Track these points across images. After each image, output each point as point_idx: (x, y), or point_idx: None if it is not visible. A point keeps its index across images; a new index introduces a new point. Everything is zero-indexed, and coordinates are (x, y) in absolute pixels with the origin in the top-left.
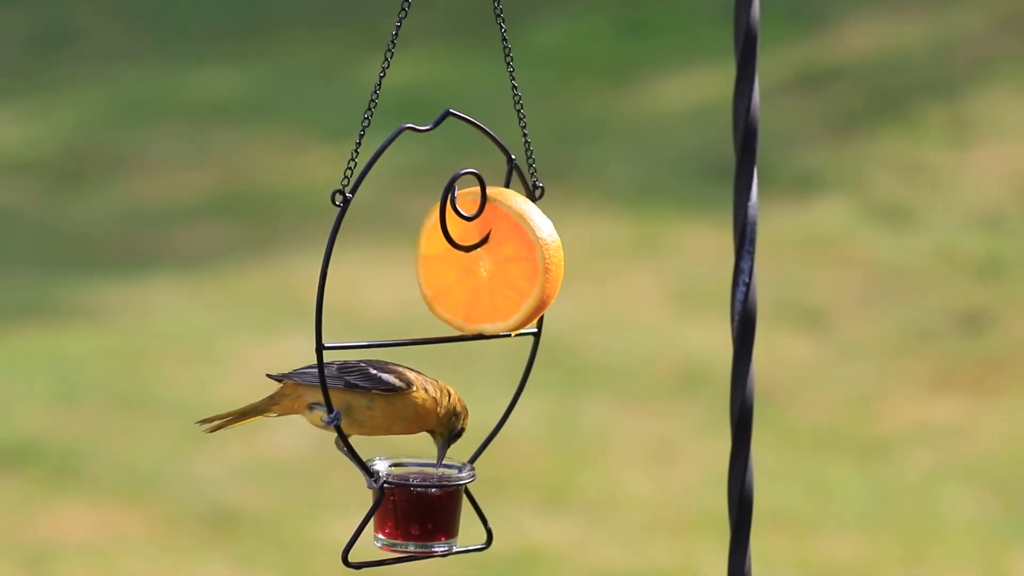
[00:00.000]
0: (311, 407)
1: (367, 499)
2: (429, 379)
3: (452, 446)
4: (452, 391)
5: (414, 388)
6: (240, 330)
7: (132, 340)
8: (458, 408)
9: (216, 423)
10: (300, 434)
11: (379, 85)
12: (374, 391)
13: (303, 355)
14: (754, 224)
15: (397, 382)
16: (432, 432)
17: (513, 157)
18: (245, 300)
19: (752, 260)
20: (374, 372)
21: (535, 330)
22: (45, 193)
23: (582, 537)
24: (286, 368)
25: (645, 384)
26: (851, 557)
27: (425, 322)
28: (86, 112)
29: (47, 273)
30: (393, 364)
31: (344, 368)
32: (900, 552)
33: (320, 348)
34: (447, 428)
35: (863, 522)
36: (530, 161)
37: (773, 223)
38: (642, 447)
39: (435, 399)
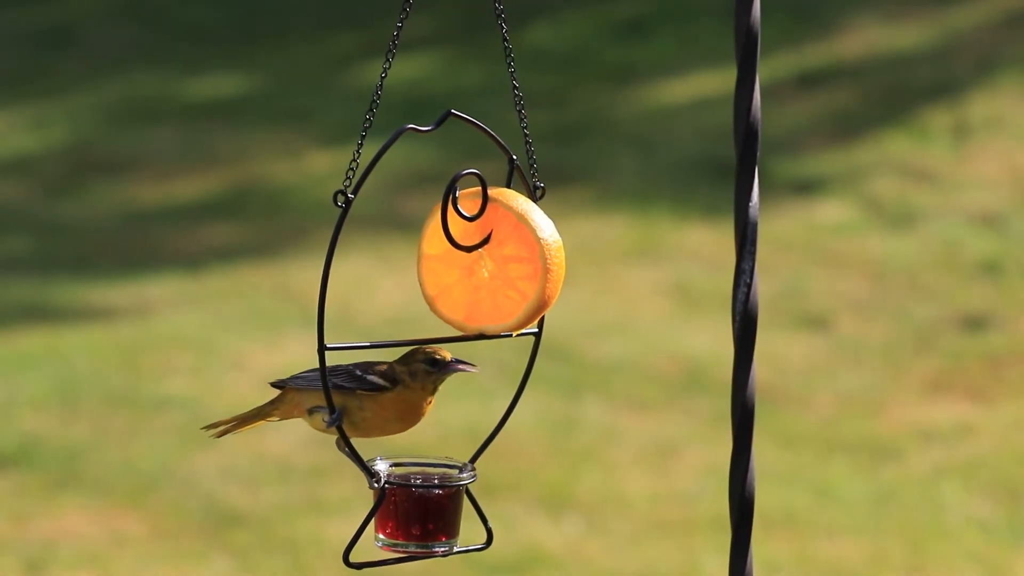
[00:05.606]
0: (311, 411)
1: (368, 499)
2: (405, 365)
3: (453, 438)
4: (419, 353)
5: (399, 386)
6: (241, 330)
7: (132, 340)
8: (430, 361)
9: (221, 428)
10: (300, 434)
11: (380, 86)
12: (359, 391)
13: (304, 355)
14: (755, 225)
15: (381, 381)
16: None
17: (515, 157)
18: (246, 301)
19: (753, 261)
20: (359, 373)
21: (536, 330)
22: (45, 193)
23: (582, 538)
24: (287, 368)
25: (646, 385)
26: (853, 558)
27: (425, 322)
28: (87, 113)
29: (47, 273)
30: (379, 364)
31: (332, 371)
32: (902, 553)
33: (322, 349)
34: (435, 384)
35: (865, 523)
36: (531, 161)
37: (774, 224)
38: (643, 448)
39: (419, 388)
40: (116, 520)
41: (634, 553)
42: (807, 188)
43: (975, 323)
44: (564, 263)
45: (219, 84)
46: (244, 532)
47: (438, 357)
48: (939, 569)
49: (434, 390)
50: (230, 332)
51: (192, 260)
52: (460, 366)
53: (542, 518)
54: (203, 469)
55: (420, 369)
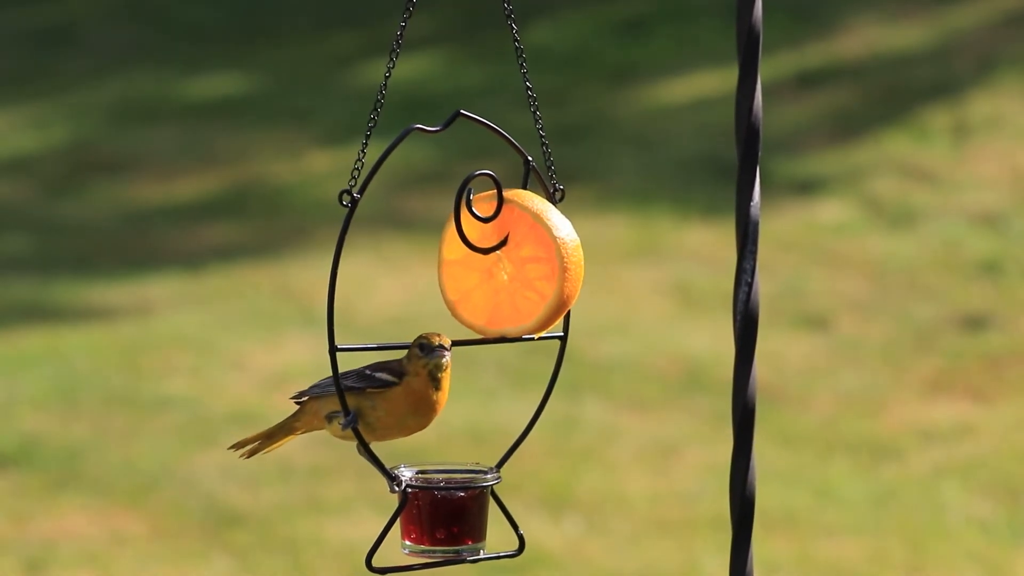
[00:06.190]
0: (328, 418)
1: (369, 499)
2: (408, 359)
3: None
4: (416, 339)
5: (407, 379)
6: (241, 330)
7: (132, 340)
8: (419, 345)
9: (249, 448)
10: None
11: (385, 85)
12: (369, 390)
13: (304, 355)
14: (756, 224)
15: (389, 377)
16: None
17: (530, 158)
18: (246, 300)
19: (754, 260)
20: (369, 372)
21: (561, 334)
22: (45, 193)
23: (583, 537)
24: (287, 368)
25: (647, 385)
26: (853, 557)
27: (431, 322)
28: (87, 113)
29: (47, 273)
30: (391, 362)
31: (345, 375)
32: (902, 553)
33: (333, 350)
34: (428, 370)
35: (865, 523)
36: (548, 163)
37: (775, 223)
38: (644, 447)
39: (415, 374)
40: (116, 520)
41: (634, 553)
42: (807, 188)
43: (975, 323)
44: (582, 262)
45: (219, 84)
46: (244, 532)
47: (424, 342)
48: (939, 569)
49: (430, 376)
50: (230, 332)
51: (192, 260)
52: (440, 351)
53: (542, 518)
54: (203, 469)
55: (413, 354)
